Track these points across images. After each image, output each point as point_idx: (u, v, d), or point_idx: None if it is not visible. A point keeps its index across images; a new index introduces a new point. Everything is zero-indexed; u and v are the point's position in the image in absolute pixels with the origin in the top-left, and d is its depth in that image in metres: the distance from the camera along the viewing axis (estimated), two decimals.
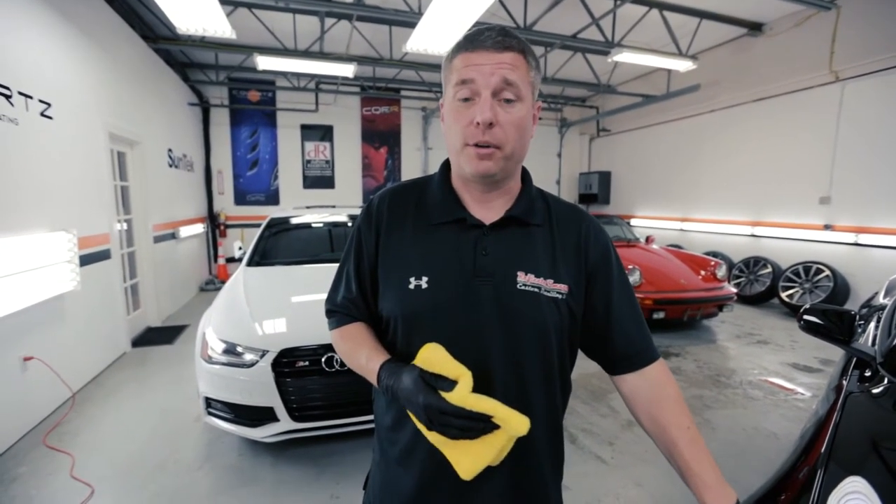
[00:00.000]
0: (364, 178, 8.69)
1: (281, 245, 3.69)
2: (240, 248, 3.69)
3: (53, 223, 3.01)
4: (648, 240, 6.07)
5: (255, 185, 8.14)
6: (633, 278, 4.54)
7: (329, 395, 2.28)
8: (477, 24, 4.07)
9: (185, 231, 6.19)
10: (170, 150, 5.89)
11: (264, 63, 5.35)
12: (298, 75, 7.35)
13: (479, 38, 0.71)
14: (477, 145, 0.71)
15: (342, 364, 2.25)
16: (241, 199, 8.06)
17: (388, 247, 0.79)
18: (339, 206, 4.67)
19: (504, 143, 0.71)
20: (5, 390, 2.55)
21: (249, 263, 3.37)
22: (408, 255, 0.77)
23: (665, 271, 4.90)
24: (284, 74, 7.24)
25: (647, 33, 5.77)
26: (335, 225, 4.00)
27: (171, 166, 5.90)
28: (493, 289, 0.74)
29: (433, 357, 0.69)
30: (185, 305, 6.00)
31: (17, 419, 2.66)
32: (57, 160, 3.16)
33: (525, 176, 0.84)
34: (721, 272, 4.91)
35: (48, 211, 3.00)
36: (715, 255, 6.32)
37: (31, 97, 2.89)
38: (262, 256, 3.48)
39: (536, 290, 0.74)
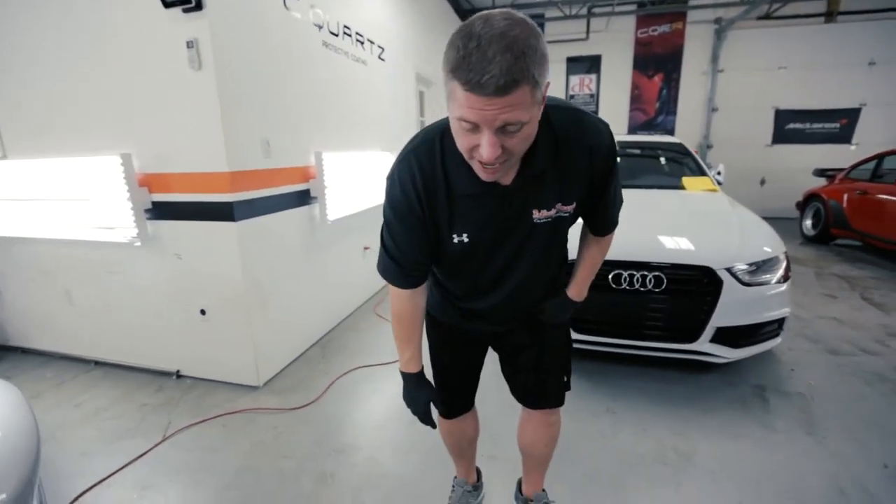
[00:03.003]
0: (632, 111, 7.89)
1: None
2: None
3: (382, 145, 3.79)
4: None
5: None
6: None
7: (610, 312, 2.21)
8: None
9: None
10: None
11: None
12: (571, 2, 7.00)
13: (481, 83, 0.62)
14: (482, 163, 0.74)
15: (630, 282, 2.13)
16: None
17: (431, 209, 0.88)
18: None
19: (511, 157, 0.74)
20: (354, 270, 3.47)
21: None
22: (449, 219, 0.89)
23: None
24: (556, 3, 7.01)
25: None
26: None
27: None
28: (518, 228, 0.91)
29: None
30: None
31: (360, 291, 3.62)
32: (385, 95, 3.91)
33: None
34: None
35: (379, 135, 3.79)
36: None
37: (373, 42, 3.59)
38: None
39: (549, 219, 0.91)
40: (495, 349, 1.28)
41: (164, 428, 2.04)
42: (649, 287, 2.11)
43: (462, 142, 0.73)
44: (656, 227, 2.42)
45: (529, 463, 1.42)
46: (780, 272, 2.19)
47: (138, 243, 2.25)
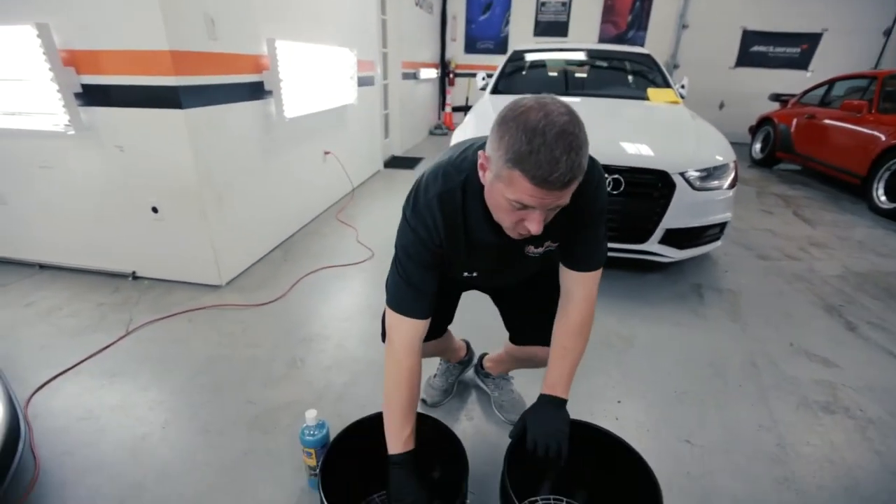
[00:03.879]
0: (603, 23, 7.58)
1: (529, 78, 3.65)
2: (483, 79, 3.74)
3: (341, 41, 3.49)
4: None
5: (486, 31, 7.97)
6: None
7: None
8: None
9: (423, 73, 6.63)
10: None
11: None
12: None
13: (548, 179, 0.67)
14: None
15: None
16: (471, 46, 8.08)
17: (448, 251, 0.93)
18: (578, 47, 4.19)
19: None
20: (315, 175, 3.35)
21: (493, 92, 3.41)
22: (463, 258, 0.96)
23: None
24: None
25: None
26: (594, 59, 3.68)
27: (416, 5, 6.12)
28: (513, 260, 1.00)
29: None
30: (417, 145, 6.72)
31: (321, 197, 3.53)
32: None
33: None
34: None
35: (337, 31, 3.47)
36: None
37: None
38: (506, 89, 3.48)
39: (537, 255, 0.98)
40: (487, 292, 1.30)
41: (126, 324, 2.02)
42: (608, 190, 2.19)
43: (506, 217, 0.78)
44: (618, 134, 2.46)
45: (510, 362, 1.44)
46: (729, 179, 2.32)
47: (72, 132, 2.04)
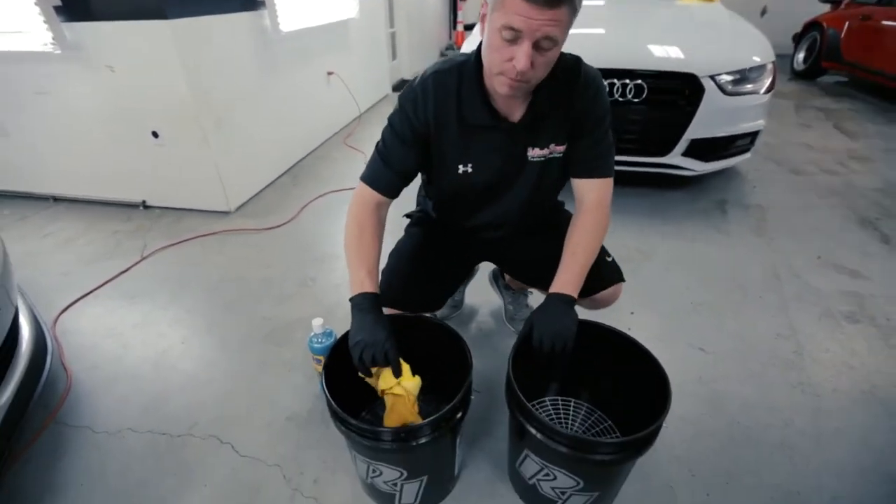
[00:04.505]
0: None
1: None
2: None
3: None
4: None
5: None
6: None
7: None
8: None
9: None
10: None
11: None
12: None
13: None
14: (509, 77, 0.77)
15: (609, 92, 2.02)
16: None
17: (439, 137, 0.92)
18: None
19: (533, 78, 0.79)
20: (320, 98, 3.20)
21: None
22: (456, 146, 0.94)
23: None
24: None
25: None
26: None
27: None
28: (514, 164, 0.97)
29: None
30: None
31: (328, 121, 3.41)
32: None
33: None
34: None
35: None
36: None
37: None
38: None
39: (542, 158, 0.96)
40: (498, 262, 1.29)
41: (141, 250, 2.05)
42: (629, 97, 2.02)
43: (497, 56, 0.76)
44: (642, 36, 2.23)
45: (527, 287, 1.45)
46: (766, 83, 2.11)
47: (59, 51, 1.95)
